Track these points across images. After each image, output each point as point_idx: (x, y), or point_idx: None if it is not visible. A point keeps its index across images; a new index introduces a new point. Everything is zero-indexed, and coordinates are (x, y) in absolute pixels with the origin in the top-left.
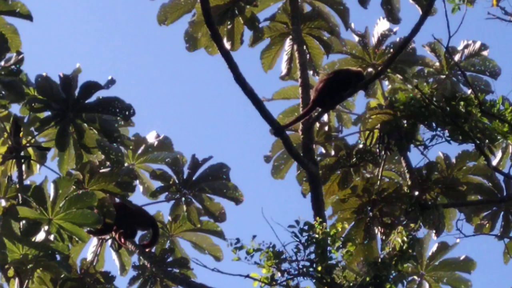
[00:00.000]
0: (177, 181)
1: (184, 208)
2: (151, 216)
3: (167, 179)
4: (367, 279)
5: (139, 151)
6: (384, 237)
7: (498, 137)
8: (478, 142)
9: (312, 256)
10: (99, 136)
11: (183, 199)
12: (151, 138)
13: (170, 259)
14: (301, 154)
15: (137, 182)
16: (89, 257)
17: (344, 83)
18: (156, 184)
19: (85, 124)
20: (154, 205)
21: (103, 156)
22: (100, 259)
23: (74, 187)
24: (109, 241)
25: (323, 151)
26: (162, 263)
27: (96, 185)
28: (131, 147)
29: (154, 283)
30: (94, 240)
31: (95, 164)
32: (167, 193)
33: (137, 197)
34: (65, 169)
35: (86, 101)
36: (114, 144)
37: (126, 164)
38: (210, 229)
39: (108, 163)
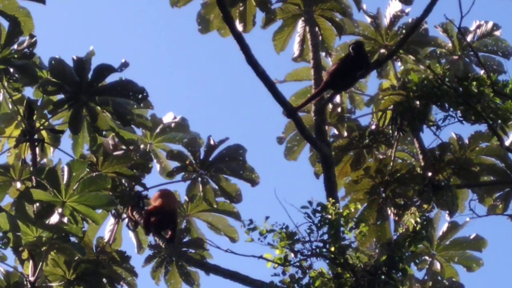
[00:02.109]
0: (193, 162)
1: (200, 188)
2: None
3: (183, 159)
4: (382, 259)
5: (157, 131)
6: (397, 218)
7: (511, 117)
8: (490, 122)
9: (325, 237)
10: (112, 119)
11: (199, 179)
12: (168, 119)
13: (186, 239)
14: (314, 136)
15: (154, 161)
16: (106, 236)
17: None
18: (173, 164)
19: (98, 107)
20: (171, 184)
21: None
22: (118, 238)
23: (88, 169)
24: (126, 221)
25: (336, 132)
26: (178, 243)
27: (110, 168)
28: (149, 126)
29: (170, 263)
30: (111, 219)
31: (109, 147)
32: (183, 173)
33: (154, 176)
34: (79, 152)
35: (99, 84)
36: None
37: (142, 146)
38: (226, 210)
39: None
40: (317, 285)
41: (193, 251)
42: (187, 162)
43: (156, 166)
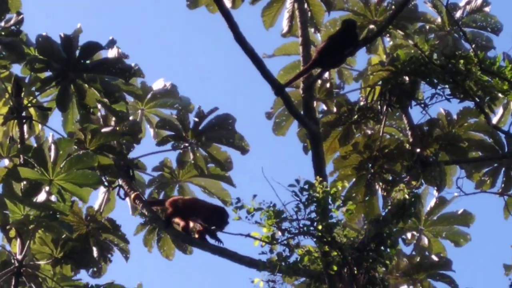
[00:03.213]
0: (183, 130)
1: (191, 156)
2: None
3: (173, 127)
4: (370, 235)
5: (148, 97)
6: (385, 194)
7: (498, 95)
8: (478, 100)
9: (313, 215)
10: (100, 96)
11: (190, 147)
12: (159, 85)
13: None
14: (302, 113)
15: (147, 127)
16: (96, 204)
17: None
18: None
19: (86, 85)
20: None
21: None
22: (109, 205)
23: (76, 147)
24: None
25: (325, 108)
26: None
27: (98, 145)
28: (140, 94)
29: (162, 231)
30: (101, 188)
31: (99, 121)
32: (174, 141)
33: (148, 141)
34: (69, 129)
35: (87, 61)
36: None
37: (131, 118)
38: (218, 174)
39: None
40: (305, 263)
41: None
42: (178, 131)
43: (149, 132)
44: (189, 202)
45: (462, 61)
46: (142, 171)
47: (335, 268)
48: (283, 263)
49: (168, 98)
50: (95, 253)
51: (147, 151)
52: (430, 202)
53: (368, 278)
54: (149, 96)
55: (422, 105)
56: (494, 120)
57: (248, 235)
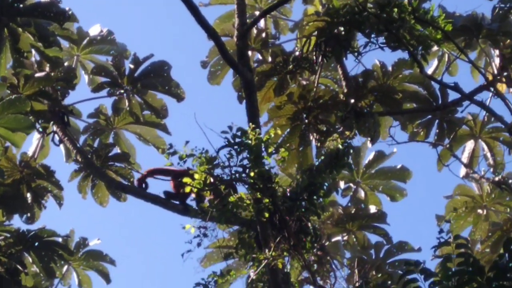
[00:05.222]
0: (119, 77)
1: (127, 103)
2: None
3: (109, 74)
4: (303, 185)
5: (84, 43)
6: (319, 144)
7: (432, 44)
8: (412, 49)
9: (245, 162)
10: (34, 40)
11: (125, 94)
12: (95, 31)
13: (113, 153)
14: (236, 61)
15: (82, 73)
16: (30, 151)
17: None
18: (100, 77)
19: (20, 29)
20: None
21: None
22: (45, 152)
23: (9, 91)
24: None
25: (260, 57)
26: (103, 157)
27: (31, 90)
28: (75, 39)
29: (96, 178)
30: (36, 134)
31: (33, 67)
32: (109, 88)
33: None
34: (2, 73)
35: (20, 5)
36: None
37: (66, 63)
38: (153, 122)
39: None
40: (236, 210)
41: (119, 165)
42: (113, 77)
43: (84, 78)
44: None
45: (396, 9)
46: (77, 117)
47: (266, 215)
48: (214, 210)
49: (104, 44)
50: (28, 199)
51: (82, 98)
52: (369, 155)
53: (300, 226)
54: (85, 42)
55: (356, 53)
56: (429, 71)
57: (180, 181)
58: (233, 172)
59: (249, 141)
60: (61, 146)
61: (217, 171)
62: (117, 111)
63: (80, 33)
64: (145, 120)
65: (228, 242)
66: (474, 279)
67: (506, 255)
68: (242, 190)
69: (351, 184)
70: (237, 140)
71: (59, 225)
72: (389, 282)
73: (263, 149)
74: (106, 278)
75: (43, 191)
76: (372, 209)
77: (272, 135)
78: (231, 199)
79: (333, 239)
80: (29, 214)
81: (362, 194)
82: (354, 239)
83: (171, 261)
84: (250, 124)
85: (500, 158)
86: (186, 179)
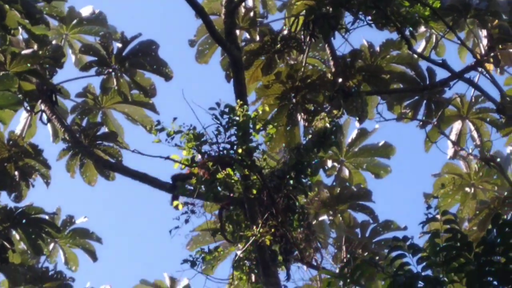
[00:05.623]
0: (107, 56)
1: (115, 82)
2: None
3: (97, 53)
4: (290, 163)
5: (73, 23)
6: (306, 124)
7: (420, 20)
8: (399, 25)
9: (233, 138)
10: (21, 17)
11: (113, 73)
12: (86, 12)
13: (101, 132)
14: (224, 38)
15: (69, 52)
16: (18, 130)
17: None
18: (88, 57)
19: (7, 5)
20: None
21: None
22: (32, 131)
23: None
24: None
25: (248, 36)
26: (91, 136)
27: (18, 67)
28: (64, 17)
29: (84, 157)
30: (24, 113)
31: (20, 44)
32: (97, 67)
33: (71, 68)
34: None
35: None
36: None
37: (54, 42)
38: (141, 101)
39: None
40: (224, 186)
41: (107, 144)
42: (101, 56)
43: (71, 58)
44: None
45: None
46: (65, 97)
47: (254, 191)
48: (202, 186)
49: (94, 25)
50: (16, 177)
51: (70, 78)
52: (351, 134)
53: (287, 204)
54: (74, 21)
55: (344, 30)
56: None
57: (168, 158)
58: (220, 148)
59: (237, 118)
60: (48, 126)
61: (205, 148)
62: (105, 90)
63: (71, 12)
64: (133, 100)
65: (216, 225)
66: (462, 255)
67: (494, 230)
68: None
69: (335, 163)
70: (225, 117)
71: (46, 204)
72: (377, 258)
73: (251, 125)
74: (93, 256)
75: (31, 169)
76: (357, 187)
77: (260, 112)
78: (219, 175)
79: (319, 218)
80: (16, 193)
81: (346, 172)
82: (340, 219)
83: (159, 239)
84: (238, 101)
85: (487, 139)
86: (174, 156)
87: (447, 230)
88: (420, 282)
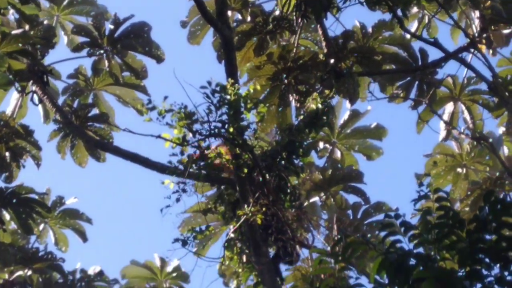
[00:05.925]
0: (99, 37)
1: (106, 63)
2: None
3: (89, 34)
4: (282, 143)
5: (64, 3)
6: (298, 105)
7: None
8: (391, 4)
9: (224, 117)
10: None
11: (105, 54)
12: None
13: (92, 113)
14: (215, 18)
15: (61, 34)
16: (9, 110)
17: None
18: (80, 38)
19: None
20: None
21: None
22: (23, 112)
23: None
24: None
25: (240, 17)
26: (83, 117)
27: (9, 47)
28: None
29: (75, 138)
30: (14, 94)
31: (10, 25)
32: (89, 48)
33: (62, 49)
34: None
35: None
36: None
37: (46, 22)
38: (133, 83)
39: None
40: (215, 165)
41: (98, 125)
42: (93, 37)
43: (63, 39)
44: None
45: None
46: (57, 78)
47: (245, 170)
48: (193, 165)
49: (85, 5)
50: (7, 158)
51: (61, 59)
52: (344, 115)
53: (279, 183)
54: (65, 2)
55: (336, 9)
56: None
57: (159, 137)
58: (212, 127)
59: (228, 97)
60: (39, 107)
61: (196, 126)
62: (97, 71)
63: None
64: (124, 82)
65: (206, 206)
66: (453, 232)
67: (486, 208)
68: None
69: (327, 145)
70: (216, 95)
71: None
72: (369, 235)
73: (242, 104)
74: (83, 236)
75: (22, 150)
76: (349, 169)
77: (252, 91)
78: (210, 154)
79: (311, 200)
80: (7, 173)
81: (338, 154)
82: (332, 200)
83: (149, 220)
84: (229, 79)
85: (479, 121)
86: (165, 135)
87: (439, 208)
88: (412, 259)
